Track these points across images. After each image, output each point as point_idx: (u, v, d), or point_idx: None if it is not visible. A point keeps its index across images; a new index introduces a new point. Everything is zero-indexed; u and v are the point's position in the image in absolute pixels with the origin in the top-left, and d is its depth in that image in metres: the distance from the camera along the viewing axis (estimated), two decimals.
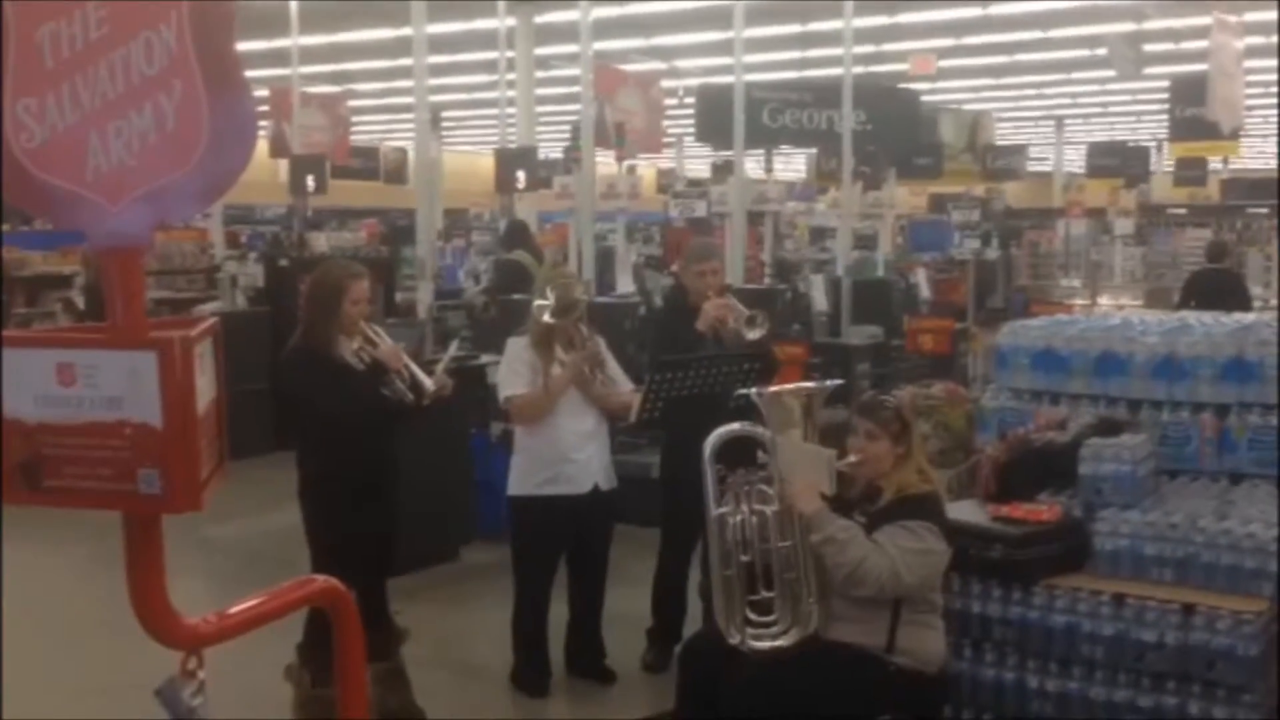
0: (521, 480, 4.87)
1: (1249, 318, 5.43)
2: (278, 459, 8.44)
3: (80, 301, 10.25)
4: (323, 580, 1.58)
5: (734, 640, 3.63)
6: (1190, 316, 5.18)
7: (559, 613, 5.10)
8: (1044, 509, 4.06)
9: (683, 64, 19.36)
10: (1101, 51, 17.03)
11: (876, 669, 3.55)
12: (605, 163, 12.46)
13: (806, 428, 3.65)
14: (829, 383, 3.85)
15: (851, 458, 3.70)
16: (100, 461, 1.16)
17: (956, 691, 3.90)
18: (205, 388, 1.18)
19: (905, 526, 3.59)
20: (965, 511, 4.12)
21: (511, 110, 14.67)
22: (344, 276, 4.46)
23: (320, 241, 13.25)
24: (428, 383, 4.49)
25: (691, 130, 17.05)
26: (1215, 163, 21.67)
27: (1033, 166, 24.85)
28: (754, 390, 3.73)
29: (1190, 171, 22.44)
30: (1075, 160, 24.69)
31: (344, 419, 4.33)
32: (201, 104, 1.13)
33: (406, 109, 16.83)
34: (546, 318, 4.67)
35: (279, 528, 7.21)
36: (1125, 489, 4.01)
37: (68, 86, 1.13)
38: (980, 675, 3.92)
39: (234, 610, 1.46)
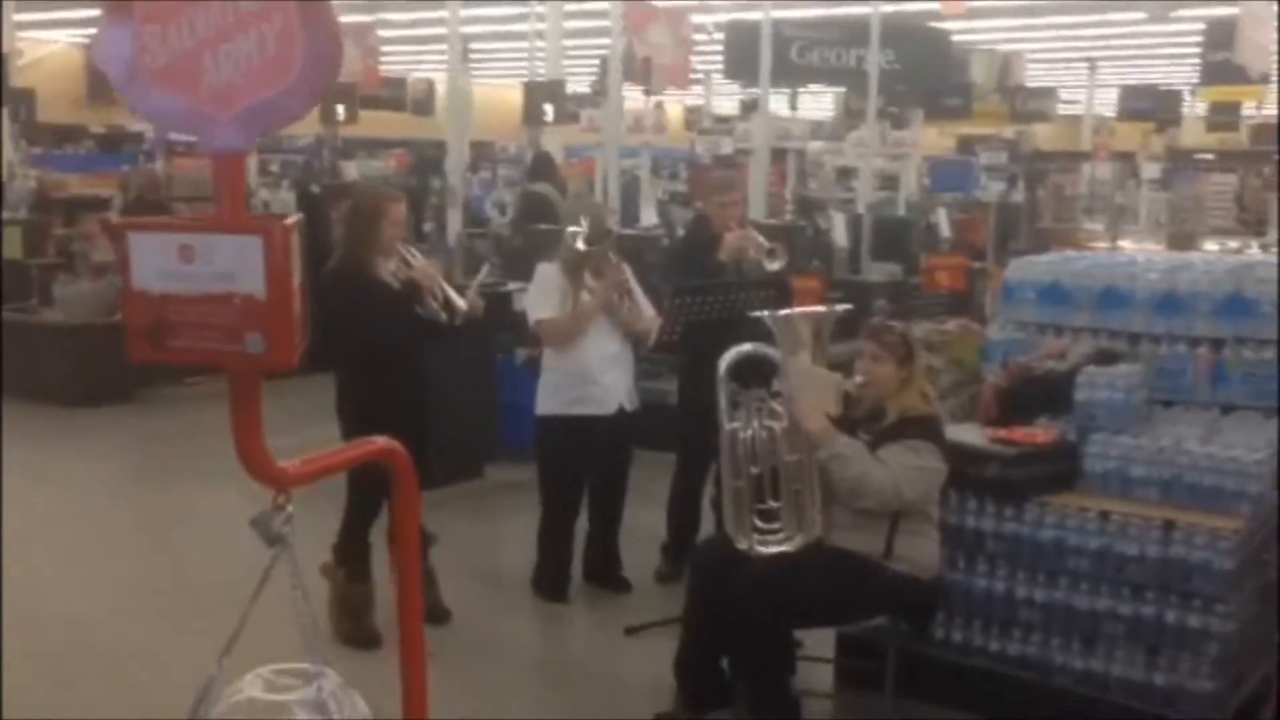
0: (550, 400, 5.12)
1: (1253, 255, 5.60)
2: (312, 380, 8.77)
3: (117, 220, 10.49)
4: (383, 440, 1.82)
5: (742, 545, 3.88)
6: (1193, 254, 5.36)
7: (579, 526, 5.38)
8: (1040, 432, 4.28)
9: None
10: None
11: (874, 574, 3.81)
12: (633, 98, 12.58)
13: (816, 350, 3.87)
14: (838, 307, 4.07)
15: (858, 379, 3.94)
16: (213, 326, 1.41)
17: (949, 600, 4.16)
18: (296, 269, 1.43)
19: (907, 445, 3.82)
20: (965, 434, 4.35)
21: (540, 43, 14.76)
22: (382, 199, 4.69)
23: (351, 170, 13.47)
24: (460, 303, 4.72)
25: (720, 67, 17.07)
26: (1250, 108, 21.53)
27: (1064, 109, 24.69)
28: (767, 314, 3.94)
29: (1223, 116, 22.31)
30: (1108, 103, 24.53)
31: (383, 337, 4.57)
32: (296, 33, 1.36)
33: (434, 40, 16.91)
34: (580, 244, 4.88)
35: (314, 442, 7.50)
36: (1117, 415, 4.23)
37: (186, 17, 1.37)
38: (973, 585, 4.17)
39: (312, 459, 1.71)
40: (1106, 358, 4.47)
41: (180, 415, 8.92)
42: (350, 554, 4.74)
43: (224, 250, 1.40)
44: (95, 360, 8.93)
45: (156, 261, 1.40)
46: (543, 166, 10.95)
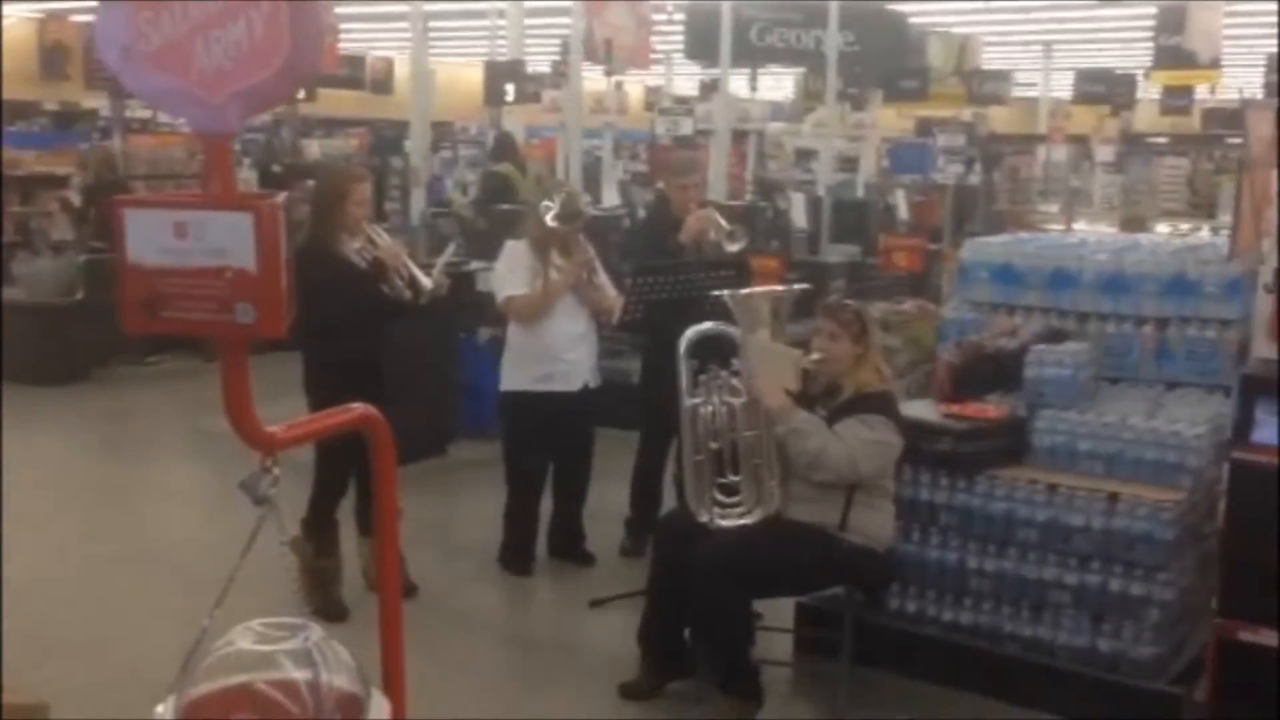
0: (515, 376, 5.19)
1: (1202, 238, 5.76)
2: (276, 357, 8.78)
3: (76, 200, 10.44)
4: (360, 408, 1.90)
5: (703, 519, 3.99)
6: (1141, 237, 5.51)
7: (544, 503, 5.47)
8: (991, 408, 4.42)
9: None
10: None
11: (830, 545, 3.93)
12: (593, 78, 12.60)
13: (774, 328, 3.98)
14: (796, 286, 4.18)
15: (815, 356, 4.05)
16: (206, 298, 1.49)
17: (903, 571, 4.30)
18: (284, 244, 1.51)
19: (862, 420, 3.94)
20: (920, 409, 4.49)
21: (501, 22, 14.73)
22: (347, 179, 4.75)
23: (313, 149, 13.42)
24: (426, 281, 4.79)
25: (680, 48, 17.13)
26: (1202, 93, 21.83)
27: (1021, 92, 24.94)
28: (726, 293, 4.04)
29: (1176, 100, 22.61)
30: (1064, 87, 24.81)
31: (349, 314, 4.63)
32: (283, 19, 1.44)
33: (393, 18, 16.81)
34: (550, 221, 4.95)
35: (280, 418, 7.56)
36: (1065, 391, 4.37)
37: (179, 3, 1.44)
38: (926, 556, 4.31)
39: (295, 424, 1.80)
40: (1055, 336, 4.61)
41: (138, 393, 8.92)
42: (318, 529, 4.81)
43: (216, 226, 1.48)
44: (54, 338, 8.91)
45: (151, 237, 1.48)
46: (504, 147, 10.98)
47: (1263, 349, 3.41)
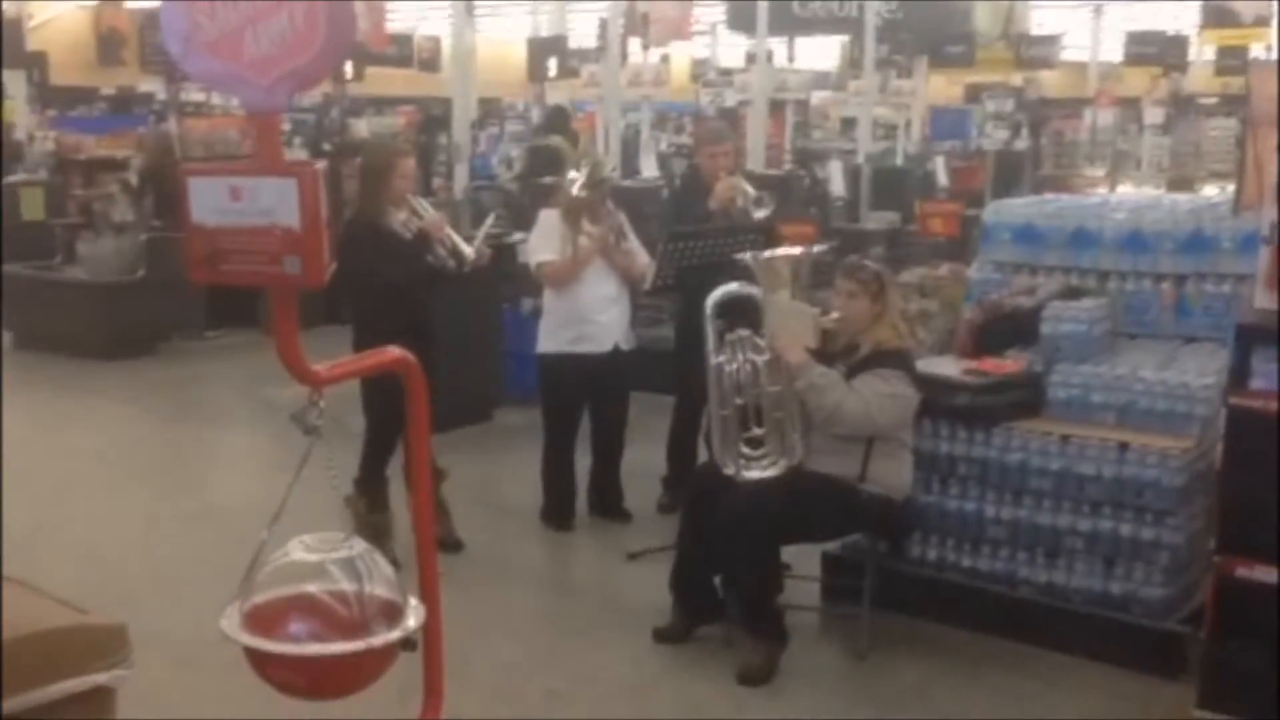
0: (550, 339, 5.44)
1: (1214, 195, 5.85)
2: (327, 331, 9.11)
3: (134, 181, 10.82)
4: (397, 351, 2.14)
5: (729, 471, 4.20)
6: (1165, 196, 5.62)
7: (583, 463, 5.72)
8: (1008, 363, 4.59)
9: None
10: None
11: (851, 494, 4.14)
12: (636, 52, 12.79)
13: (794, 288, 4.18)
14: (815, 248, 4.37)
15: (834, 315, 4.24)
16: (258, 252, 1.75)
17: (924, 519, 4.49)
18: (324, 205, 1.75)
19: (879, 375, 4.14)
20: (941, 365, 4.67)
21: None
22: (393, 154, 5.00)
23: (361, 128, 13.72)
24: (468, 251, 5.03)
25: (725, 19, 17.22)
26: (1259, 51, 21.49)
27: (1070, 55, 24.71)
28: (749, 255, 4.24)
29: (1231, 60, 22.29)
30: (1116, 50, 24.53)
31: (398, 283, 4.88)
32: (319, 11, 1.69)
33: None
34: (576, 190, 5.19)
35: (336, 391, 7.87)
36: (1080, 346, 4.53)
37: (230, 1, 1.70)
38: (945, 505, 4.50)
39: (338, 364, 2.05)
40: (1072, 293, 4.77)
41: (201, 366, 9.30)
42: (370, 486, 5.09)
43: (266, 190, 1.73)
44: (119, 315, 9.29)
45: (211, 200, 1.74)
46: (557, 120, 11.17)
47: (1262, 299, 3.55)
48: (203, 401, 8.40)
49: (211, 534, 5.55)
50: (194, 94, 16.89)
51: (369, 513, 5.00)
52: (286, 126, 16.95)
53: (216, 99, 18.46)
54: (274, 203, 1.71)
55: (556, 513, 5.61)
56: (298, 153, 11.96)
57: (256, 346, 9.77)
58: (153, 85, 19.18)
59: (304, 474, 2.08)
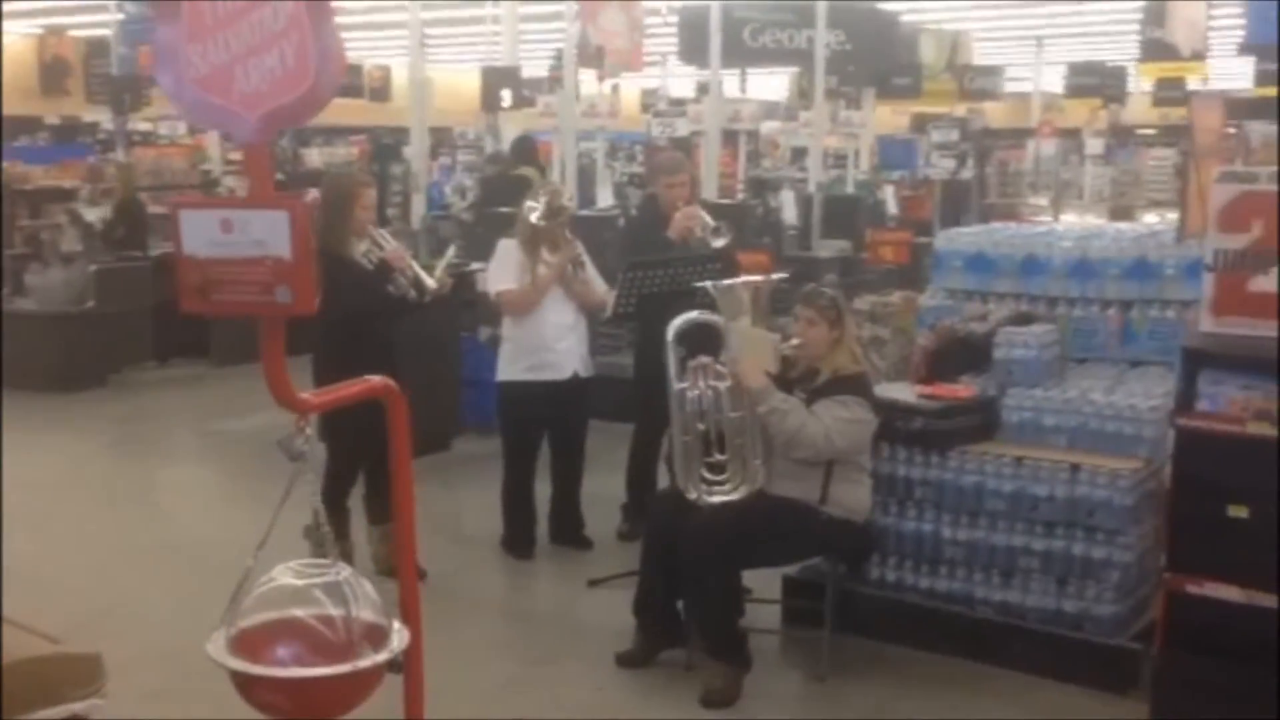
0: (509, 367, 5.48)
1: (1156, 223, 6.03)
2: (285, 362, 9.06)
3: (89, 213, 10.75)
4: (379, 379, 2.18)
5: (692, 496, 4.26)
6: (1109, 225, 5.79)
7: (543, 491, 5.75)
8: (962, 388, 4.70)
9: None
10: None
11: (811, 517, 4.21)
12: (588, 82, 12.88)
13: (755, 315, 4.26)
14: (775, 276, 4.46)
15: (794, 341, 4.32)
16: (250, 282, 1.78)
17: (882, 542, 4.58)
18: (312, 236, 1.80)
19: (838, 400, 4.22)
20: (897, 391, 4.77)
21: (496, 28, 15.00)
22: (355, 185, 5.03)
23: (313, 157, 13.72)
24: (429, 281, 5.07)
25: (676, 49, 17.39)
26: (1195, 84, 22.06)
27: (1013, 87, 25.21)
28: (710, 283, 4.32)
29: (1169, 92, 22.85)
30: (1057, 81, 25.10)
31: (360, 314, 4.90)
32: (310, 49, 1.73)
33: (387, 25, 17.08)
34: (535, 219, 5.25)
35: (288, 421, 7.85)
36: (1031, 371, 4.65)
37: (222, 36, 1.73)
38: (903, 528, 4.59)
39: (322, 392, 2.09)
40: (1022, 319, 4.89)
41: (152, 398, 9.23)
42: (330, 517, 5.07)
43: (258, 222, 1.77)
44: (68, 346, 9.20)
45: (202, 232, 1.77)
46: (525, 150, 11.19)
47: (1206, 323, 3.68)
48: (154, 434, 8.34)
49: (168, 566, 5.53)
50: (140, 124, 16.80)
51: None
52: (236, 156, 16.95)
53: (164, 129, 18.36)
54: (266, 234, 1.75)
55: (517, 541, 5.63)
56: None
57: (206, 379, 9.73)
58: (98, 115, 19.02)
59: (267, 500, 2.13)
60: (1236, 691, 3.52)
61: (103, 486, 7.06)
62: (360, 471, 5.27)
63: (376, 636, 1.89)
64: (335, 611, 1.84)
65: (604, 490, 5.94)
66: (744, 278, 4.46)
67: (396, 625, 1.95)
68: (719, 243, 5.46)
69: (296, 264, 1.76)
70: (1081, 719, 4.07)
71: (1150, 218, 15.13)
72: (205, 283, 1.76)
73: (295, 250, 1.75)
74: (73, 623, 4.70)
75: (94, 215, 10.71)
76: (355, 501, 5.29)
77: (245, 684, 1.84)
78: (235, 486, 6.89)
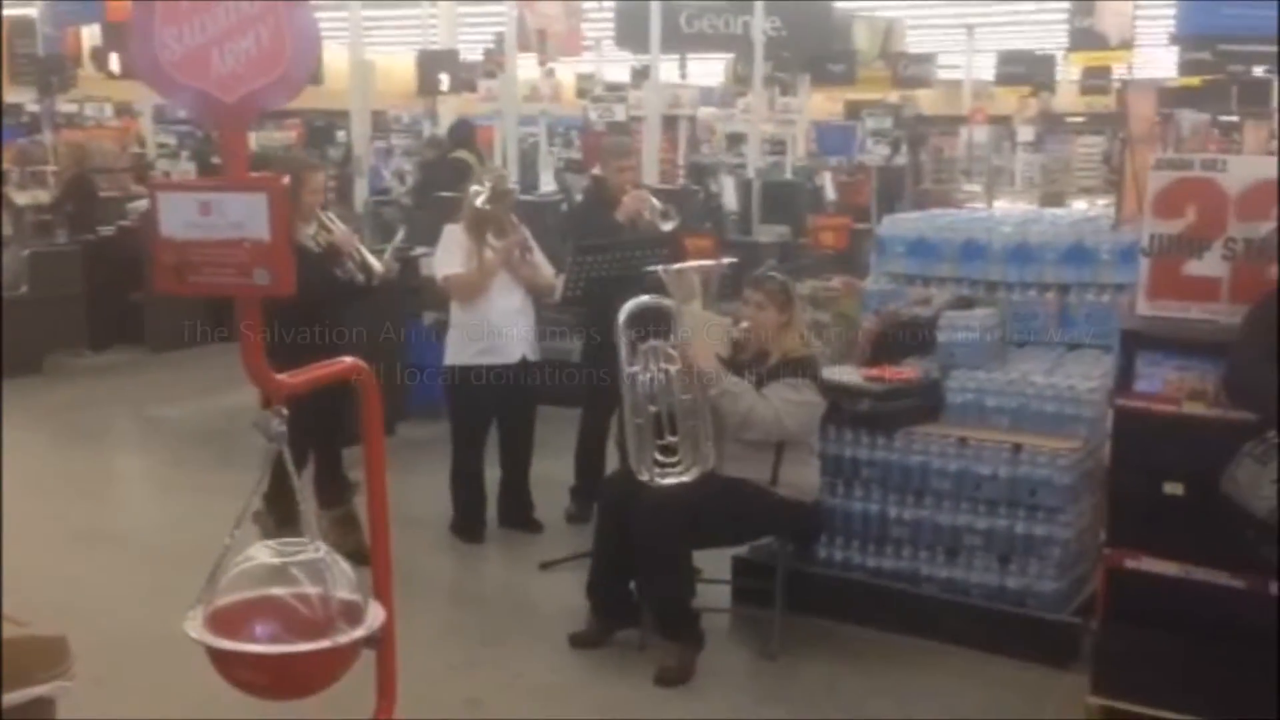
0: (458, 351, 5.49)
1: (1086, 209, 6.18)
2: (220, 348, 8.98)
3: (17, 197, 10.54)
4: (350, 360, 2.20)
5: (644, 478, 4.31)
6: (1047, 210, 5.92)
7: (491, 476, 5.76)
8: (907, 370, 4.79)
9: None
10: None
11: (762, 498, 4.28)
12: (526, 67, 12.86)
13: (705, 299, 4.31)
14: (725, 261, 4.51)
15: (743, 325, 4.38)
16: (227, 264, 1.79)
17: (830, 521, 4.66)
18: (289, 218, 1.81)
19: (788, 383, 4.29)
20: (842, 373, 4.85)
21: (433, 11, 14.89)
22: (303, 168, 5.00)
23: (250, 140, 13.51)
24: (377, 265, 5.06)
25: (611, 34, 17.38)
26: (1121, 72, 22.51)
27: (945, 74, 25.51)
28: (661, 268, 4.36)
29: (1095, 80, 23.28)
30: (987, 69, 25.46)
31: (306, 296, 4.86)
32: (285, 32, 1.74)
33: (320, 8, 16.86)
34: (480, 204, 5.26)
35: (227, 408, 7.78)
36: (974, 353, 4.76)
37: (198, 20, 1.73)
38: (850, 508, 4.68)
39: (297, 374, 2.10)
40: (964, 303, 5.00)
41: (89, 384, 9.08)
42: (278, 503, 5.05)
43: (235, 204, 1.78)
44: (4, 332, 9.00)
45: (180, 214, 1.78)
46: (464, 134, 11.14)
47: (1143, 306, 3.79)
48: (92, 421, 8.21)
49: (108, 553, 5.46)
50: (65, 105, 16.45)
51: (278, 528, 4.97)
52: (172, 140, 16.65)
53: (89, 110, 17.98)
54: (243, 216, 1.76)
55: (466, 525, 5.64)
56: (185, 167, 11.77)
57: (142, 364, 9.60)
58: (22, 96, 18.56)
59: (207, 486, 2.13)
60: (1173, 662, 3.64)
61: (38, 473, 6.94)
62: (309, 454, 5.24)
63: (353, 614, 1.91)
64: (312, 589, 1.86)
65: (552, 474, 5.97)
66: (695, 262, 4.50)
67: (372, 603, 1.97)
68: (668, 226, 5.51)
69: (274, 246, 1.78)
70: (1025, 691, 4.18)
71: (1080, 204, 15.43)
72: (181, 264, 1.77)
73: (273, 232, 1.76)
74: (17, 610, 4.66)
75: (25, 199, 10.48)
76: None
77: (224, 661, 1.85)
78: (176, 473, 6.82)
